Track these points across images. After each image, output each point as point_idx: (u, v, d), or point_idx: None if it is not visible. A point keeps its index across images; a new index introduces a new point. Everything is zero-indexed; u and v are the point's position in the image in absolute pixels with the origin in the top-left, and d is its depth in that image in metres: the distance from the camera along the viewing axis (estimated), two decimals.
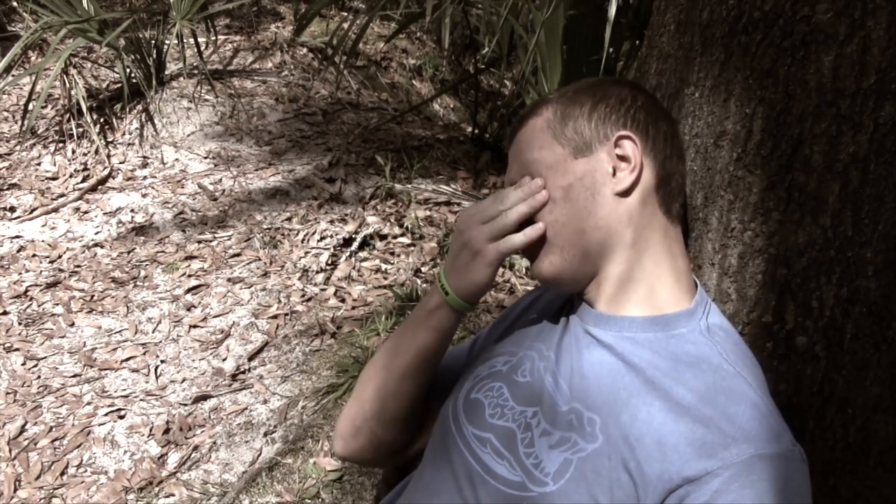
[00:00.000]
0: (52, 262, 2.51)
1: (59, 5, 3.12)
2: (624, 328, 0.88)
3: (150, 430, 1.84)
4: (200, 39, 3.48)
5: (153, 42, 3.21)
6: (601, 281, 0.91)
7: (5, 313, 2.26)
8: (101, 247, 2.57)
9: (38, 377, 2.02)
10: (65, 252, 2.55)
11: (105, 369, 2.04)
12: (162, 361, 2.06)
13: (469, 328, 2.04)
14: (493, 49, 3.35)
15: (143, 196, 2.80)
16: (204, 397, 1.92)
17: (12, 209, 2.78)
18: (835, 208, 0.91)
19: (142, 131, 3.10)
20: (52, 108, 3.27)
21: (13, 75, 3.36)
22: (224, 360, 2.05)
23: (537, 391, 0.91)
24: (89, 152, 3.03)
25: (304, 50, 3.68)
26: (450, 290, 0.97)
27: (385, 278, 2.32)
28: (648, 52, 1.12)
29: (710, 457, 0.76)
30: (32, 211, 2.77)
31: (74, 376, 2.02)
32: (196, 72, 3.30)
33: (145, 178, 2.91)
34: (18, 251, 2.56)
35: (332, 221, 2.58)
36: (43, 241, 2.62)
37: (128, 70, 3.17)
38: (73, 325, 2.21)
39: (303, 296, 2.25)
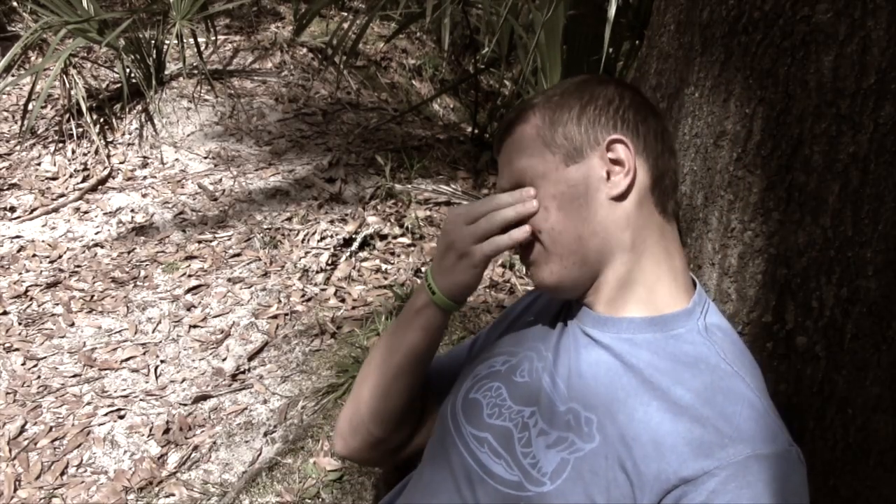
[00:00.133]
0: (52, 262, 2.51)
1: (59, 5, 3.12)
2: (622, 329, 0.88)
3: (150, 430, 1.84)
4: (200, 39, 3.48)
5: (153, 42, 3.21)
6: (600, 284, 0.91)
7: (5, 313, 2.26)
8: (101, 247, 2.57)
9: (38, 377, 2.02)
10: (65, 252, 2.55)
11: (105, 369, 2.04)
12: (162, 361, 2.06)
13: (469, 328, 2.04)
14: (493, 49, 3.35)
15: (143, 196, 2.80)
16: (204, 397, 1.92)
17: (12, 209, 2.78)
18: (835, 208, 0.91)
19: (142, 131, 3.10)
20: (51, 108, 3.27)
21: (13, 75, 3.36)
22: (224, 360, 2.05)
23: (535, 391, 0.91)
24: (89, 152, 3.03)
25: (304, 50, 3.68)
26: (436, 290, 0.98)
27: (385, 278, 2.32)
28: (648, 52, 1.12)
29: (707, 457, 0.76)
30: (32, 211, 2.77)
31: (74, 376, 2.02)
32: (196, 72, 3.30)
33: (145, 178, 2.91)
34: (18, 251, 2.56)
35: (332, 221, 2.58)
36: (43, 241, 2.62)
37: (128, 70, 3.17)
38: (73, 325, 2.21)
39: (303, 296, 2.25)
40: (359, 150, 2.99)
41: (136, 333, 2.16)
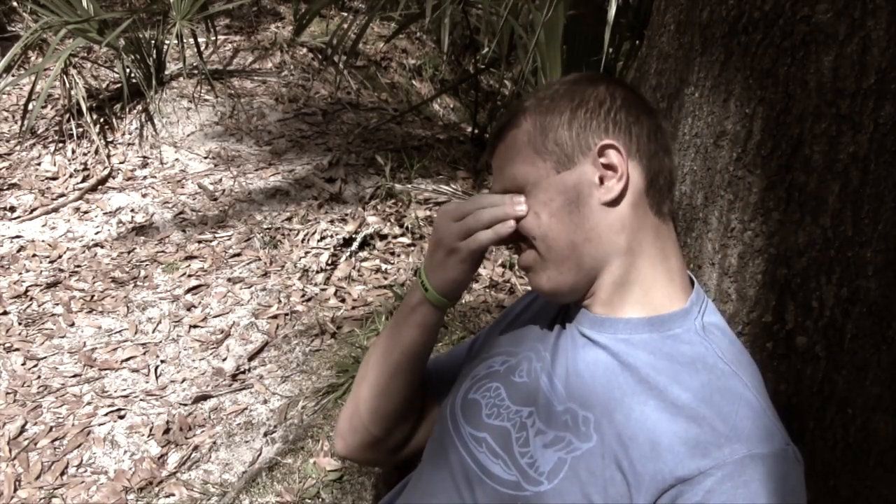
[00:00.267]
0: (52, 262, 2.51)
1: (59, 5, 3.12)
2: (619, 330, 0.88)
3: (150, 430, 1.84)
4: (200, 39, 3.48)
5: (153, 42, 3.21)
6: (597, 287, 0.91)
7: (5, 313, 2.26)
8: (101, 247, 2.57)
9: (38, 377, 2.02)
10: (65, 252, 2.55)
11: (105, 369, 2.04)
12: (162, 361, 2.06)
13: (469, 328, 2.04)
14: (493, 49, 3.35)
15: (143, 196, 2.80)
16: (204, 397, 1.92)
17: (12, 209, 2.78)
18: (835, 208, 0.91)
19: (142, 131, 3.10)
20: (52, 108, 3.27)
21: (13, 75, 3.36)
22: (224, 360, 2.05)
23: (533, 391, 0.91)
24: (89, 152, 3.03)
25: (304, 50, 3.68)
26: (429, 287, 0.98)
27: (385, 278, 2.32)
28: (648, 52, 1.12)
29: (704, 456, 0.76)
30: (32, 211, 2.77)
31: (74, 376, 2.02)
32: (196, 72, 3.30)
33: (145, 178, 2.91)
34: (18, 251, 2.56)
35: (332, 221, 2.58)
36: (43, 241, 2.62)
37: (128, 70, 3.17)
38: (73, 325, 2.21)
39: (303, 296, 2.25)
40: (359, 150, 2.99)
41: (136, 333, 2.16)
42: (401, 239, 2.50)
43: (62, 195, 2.85)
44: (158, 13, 3.31)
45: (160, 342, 2.12)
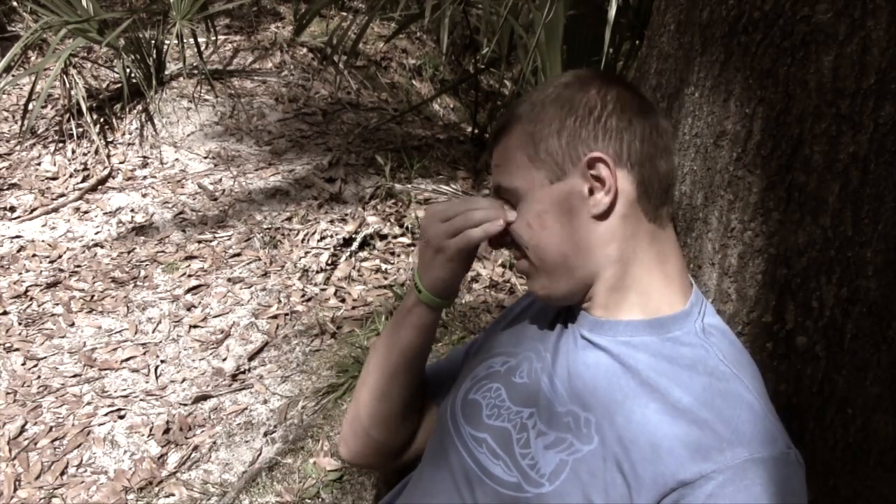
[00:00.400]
0: (52, 262, 2.51)
1: (59, 5, 3.12)
2: (619, 332, 0.88)
3: (150, 430, 1.84)
4: (200, 39, 3.48)
5: (153, 42, 3.21)
6: (593, 292, 0.91)
7: (5, 313, 2.26)
8: (101, 247, 2.57)
9: (38, 377, 2.02)
10: (65, 252, 2.55)
11: (105, 369, 2.04)
12: (162, 361, 2.06)
13: (469, 328, 2.04)
14: (493, 49, 3.35)
15: (143, 196, 2.80)
16: (204, 397, 1.92)
17: (12, 209, 2.78)
18: (835, 208, 0.91)
19: (142, 131, 3.10)
20: (52, 108, 3.27)
21: (13, 75, 3.36)
22: (224, 360, 2.05)
23: (534, 393, 0.91)
24: (89, 152, 3.03)
25: (304, 50, 3.68)
26: (421, 288, 0.99)
27: (385, 278, 2.32)
28: (648, 52, 1.12)
29: (705, 460, 0.75)
30: (32, 211, 2.77)
31: (74, 376, 2.02)
32: (196, 72, 3.30)
33: (145, 178, 2.91)
34: (18, 251, 2.56)
35: (332, 221, 2.58)
36: (43, 241, 2.62)
37: (128, 70, 3.17)
38: (73, 325, 2.21)
39: (303, 296, 2.25)
40: (359, 149, 2.99)
41: (136, 333, 2.16)
42: (401, 239, 2.50)
43: (62, 195, 2.85)
44: (158, 13, 3.31)
45: (160, 342, 2.12)
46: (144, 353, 2.08)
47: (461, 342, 1.98)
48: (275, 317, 2.17)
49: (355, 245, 2.43)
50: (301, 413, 1.84)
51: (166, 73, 3.29)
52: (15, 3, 3.78)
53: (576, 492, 0.81)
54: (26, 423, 1.88)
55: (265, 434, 1.80)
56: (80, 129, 3.09)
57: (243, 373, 2.00)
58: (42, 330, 2.20)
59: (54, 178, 2.94)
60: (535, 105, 0.91)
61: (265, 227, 2.57)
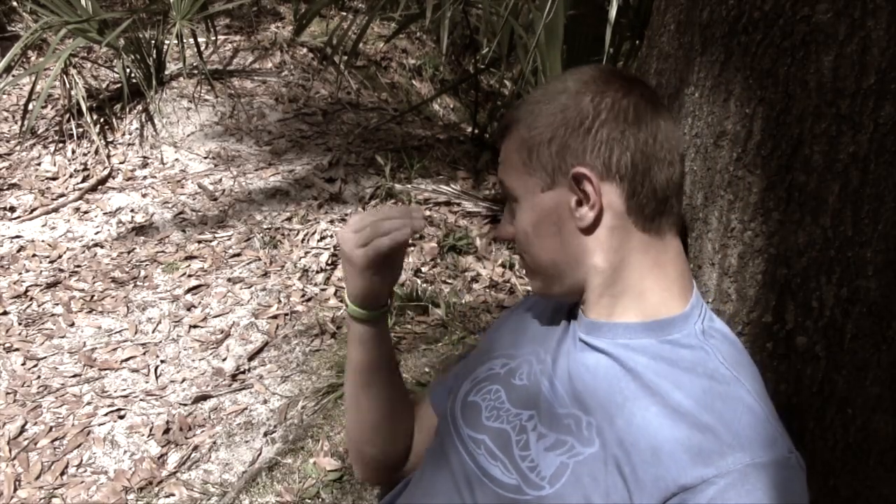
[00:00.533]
0: (52, 262, 2.51)
1: (59, 5, 3.12)
2: (618, 334, 0.87)
3: (150, 430, 1.84)
4: (200, 39, 3.48)
5: (153, 42, 3.21)
6: (587, 296, 0.91)
7: (5, 313, 2.26)
8: (101, 247, 2.57)
9: (38, 377, 2.02)
10: (65, 252, 2.55)
11: (105, 369, 2.04)
12: (162, 361, 2.06)
13: (469, 328, 2.04)
14: (493, 49, 3.35)
15: (143, 196, 2.80)
16: (204, 397, 1.92)
17: (12, 209, 2.78)
18: (835, 208, 0.91)
19: (142, 131, 3.10)
20: (52, 108, 3.27)
21: (13, 75, 3.36)
22: (224, 360, 2.05)
23: (534, 395, 0.91)
24: (89, 152, 3.03)
25: (304, 50, 3.68)
26: (348, 301, 1.01)
27: None
28: (648, 52, 1.12)
29: (706, 465, 0.75)
30: (32, 211, 2.77)
31: (74, 376, 2.02)
32: (196, 72, 3.30)
33: (145, 178, 2.91)
34: (18, 251, 2.56)
35: (332, 221, 2.58)
36: (43, 241, 2.62)
37: (128, 70, 3.17)
38: (73, 325, 2.21)
39: (303, 296, 2.25)
40: (359, 150, 2.99)
41: (136, 333, 2.16)
42: None
43: (62, 195, 2.85)
44: (158, 13, 3.31)
45: (160, 342, 2.12)
46: (144, 353, 2.08)
47: (461, 342, 1.98)
48: (275, 317, 2.17)
49: None
50: (301, 413, 1.84)
51: (166, 73, 3.29)
52: (15, 3, 3.78)
53: (576, 494, 0.81)
54: (26, 423, 1.88)
55: (265, 434, 1.80)
56: (80, 129, 3.09)
57: (243, 373, 2.00)
58: (42, 330, 2.20)
59: (54, 178, 2.94)
60: (533, 110, 0.91)
61: (265, 227, 2.57)
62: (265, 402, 1.89)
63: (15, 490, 1.70)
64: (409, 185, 2.72)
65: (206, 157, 2.96)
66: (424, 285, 2.26)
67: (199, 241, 2.53)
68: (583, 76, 0.90)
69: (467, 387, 1.00)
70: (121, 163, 2.99)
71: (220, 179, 2.85)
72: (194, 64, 3.33)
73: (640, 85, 0.91)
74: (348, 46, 3.36)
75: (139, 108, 3.18)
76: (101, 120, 3.14)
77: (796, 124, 0.91)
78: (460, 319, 2.08)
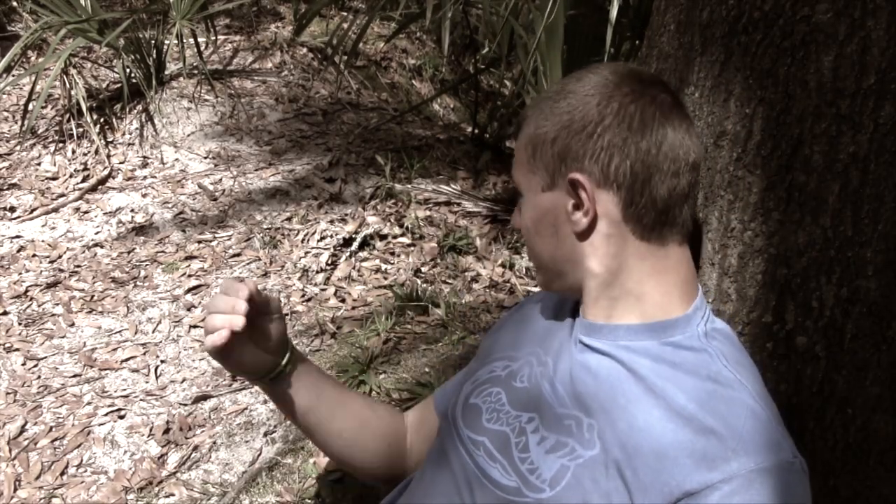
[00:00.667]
0: (52, 262, 2.51)
1: (59, 5, 3.12)
2: (619, 336, 0.87)
3: (150, 430, 1.84)
4: (200, 39, 3.48)
5: (153, 42, 3.21)
6: (586, 297, 0.91)
7: (5, 313, 2.26)
8: (101, 247, 2.57)
9: (38, 377, 2.02)
10: (65, 252, 2.55)
11: (105, 369, 2.04)
12: (162, 361, 2.06)
13: (469, 328, 2.04)
14: (493, 49, 3.35)
15: (143, 196, 2.80)
16: (204, 397, 1.92)
17: (12, 209, 2.78)
18: (835, 208, 0.91)
19: (142, 131, 3.10)
20: (52, 108, 3.27)
21: (13, 75, 3.36)
22: None
23: (534, 397, 0.90)
24: (89, 152, 3.03)
25: (304, 50, 3.68)
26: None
27: (385, 278, 2.32)
28: (648, 52, 1.12)
29: (710, 470, 0.75)
30: (32, 211, 2.77)
31: (74, 376, 2.02)
32: (196, 72, 3.30)
33: (145, 178, 2.91)
34: (18, 251, 2.56)
35: (332, 221, 2.58)
36: (43, 241, 2.62)
37: (128, 70, 3.17)
38: (73, 325, 2.21)
39: (303, 296, 2.25)
40: (359, 150, 2.99)
41: (136, 333, 2.16)
42: (401, 239, 2.50)
43: (62, 195, 2.85)
44: (158, 13, 3.31)
45: (160, 342, 2.12)
46: (144, 353, 2.08)
47: (461, 342, 1.98)
48: None
49: (355, 245, 2.43)
50: None
51: (166, 73, 3.29)
52: (15, 3, 3.78)
53: (576, 498, 0.80)
54: (26, 423, 1.88)
55: (265, 434, 1.80)
56: (80, 129, 3.09)
57: None
58: (42, 330, 2.20)
59: (54, 178, 2.94)
60: (543, 108, 0.90)
61: (265, 227, 2.57)
62: (265, 401, 1.89)
63: (15, 490, 1.70)
64: (409, 185, 2.73)
65: (206, 157, 2.96)
66: (424, 285, 2.26)
67: (199, 241, 2.53)
68: (597, 76, 0.88)
69: (468, 388, 1.00)
70: (121, 163, 2.99)
71: (220, 179, 2.85)
72: (194, 64, 3.33)
73: (657, 89, 0.88)
74: (348, 46, 3.36)
75: (139, 108, 3.18)
76: (101, 120, 3.14)
77: (796, 124, 0.91)
78: (460, 319, 2.08)
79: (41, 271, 2.46)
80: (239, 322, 0.94)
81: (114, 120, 3.15)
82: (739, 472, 0.74)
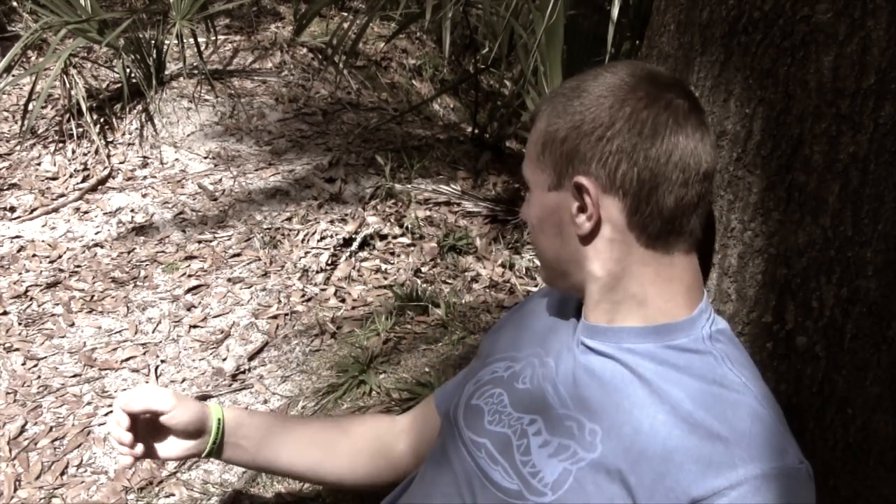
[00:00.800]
0: (52, 262, 2.51)
1: (59, 5, 3.12)
2: (622, 339, 0.86)
3: None
4: (200, 39, 3.48)
5: (153, 42, 3.21)
6: (588, 299, 0.90)
7: (5, 313, 2.26)
8: (101, 247, 2.57)
9: (38, 377, 2.02)
10: (65, 252, 2.55)
11: (105, 369, 2.04)
12: (162, 361, 2.06)
13: (469, 328, 2.04)
14: (494, 49, 3.35)
15: (143, 196, 2.80)
16: (204, 397, 1.92)
17: (12, 209, 2.78)
18: (835, 208, 0.91)
19: (142, 131, 3.10)
20: (52, 108, 3.27)
21: (13, 75, 3.36)
22: (224, 360, 2.05)
23: (537, 399, 0.90)
24: (89, 152, 3.03)
25: (304, 50, 3.68)
26: None
27: (385, 278, 2.32)
28: (648, 52, 1.12)
29: (717, 476, 0.74)
30: (32, 211, 2.77)
31: (74, 376, 2.02)
32: (196, 72, 3.30)
33: (145, 178, 2.91)
34: (18, 251, 2.56)
35: (332, 221, 2.58)
36: (43, 241, 2.62)
37: (128, 70, 3.17)
38: (73, 325, 2.21)
39: (303, 296, 2.25)
40: (359, 150, 2.99)
41: (136, 333, 2.16)
42: (401, 239, 2.50)
43: (62, 195, 2.85)
44: (158, 13, 3.31)
45: (160, 342, 2.12)
46: (144, 353, 2.08)
47: (461, 342, 1.98)
48: (275, 317, 2.17)
49: (355, 245, 2.43)
50: (301, 413, 1.84)
51: (166, 73, 3.29)
52: (15, 3, 3.78)
53: (578, 502, 0.80)
54: (26, 423, 1.88)
55: None
56: (80, 129, 3.09)
57: (243, 373, 2.00)
58: (42, 330, 2.20)
59: (54, 178, 2.94)
60: (557, 105, 0.88)
61: (265, 227, 2.57)
62: (265, 401, 1.89)
63: (15, 490, 1.70)
64: (409, 185, 2.73)
65: (206, 157, 2.96)
66: (424, 285, 2.26)
67: (199, 241, 2.53)
68: (614, 77, 0.86)
69: (471, 389, 1.00)
70: (121, 163, 2.99)
71: (220, 179, 2.85)
72: (194, 64, 3.33)
73: (674, 93, 0.85)
74: (348, 46, 3.36)
75: (139, 108, 3.18)
76: (101, 120, 3.14)
77: (796, 124, 0.91)
78: (460, 319, 2.08)
79: (41, 271, 2.46)
80: (126, 438, 1.07)
81: (114, 120, 3.15)
82: (746, 477, 0.73)
